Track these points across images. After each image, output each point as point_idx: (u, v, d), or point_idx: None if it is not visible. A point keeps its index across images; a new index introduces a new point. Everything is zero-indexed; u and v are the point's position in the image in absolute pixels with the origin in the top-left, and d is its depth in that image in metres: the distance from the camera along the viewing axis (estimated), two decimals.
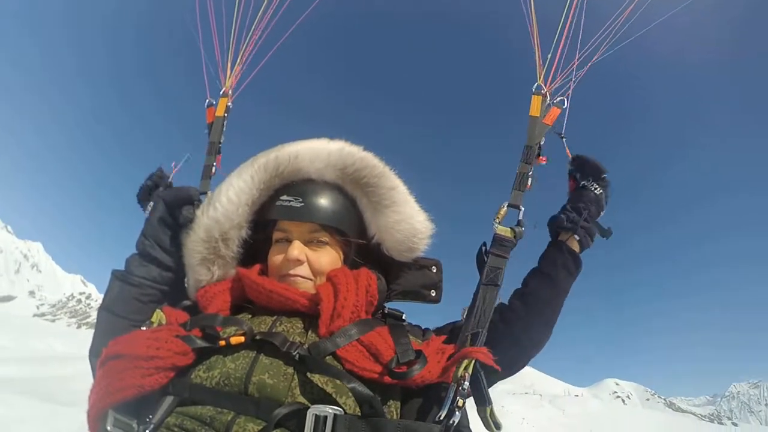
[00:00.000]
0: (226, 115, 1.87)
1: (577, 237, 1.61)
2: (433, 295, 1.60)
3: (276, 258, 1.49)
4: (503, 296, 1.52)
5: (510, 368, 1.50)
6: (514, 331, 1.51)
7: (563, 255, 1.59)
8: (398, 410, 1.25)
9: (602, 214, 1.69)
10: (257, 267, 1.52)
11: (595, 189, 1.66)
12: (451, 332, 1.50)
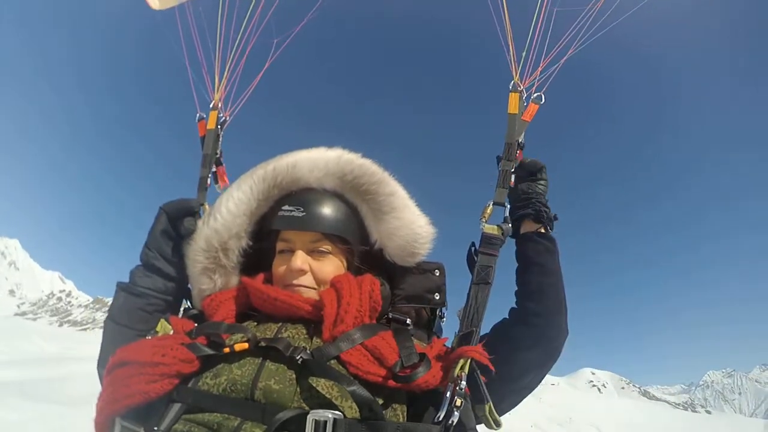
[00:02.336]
0: (219, 127, 1.91)
1: (548, 228, 1.66)
2: (437, 298, 1.60)
3: (280, 268, 1.50)
4: (495, 294, 1.51)
5: (546, 360, 1.53)
6: (538, 325, 1.51)
7: (540, 243, 1.61)
8: (404, 414, 1.26)
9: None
10: (261, 276, 1.53)
11: (541, 182, 1.72)
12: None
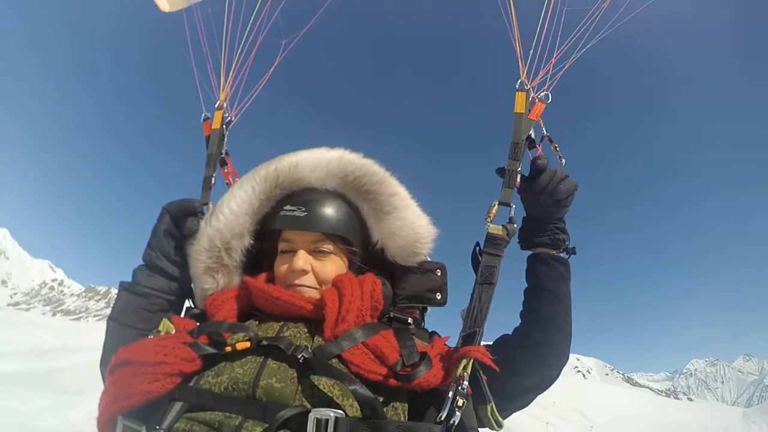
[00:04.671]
0: (224, 127, 1.90)
1: (565, 255, 1.64)
2: (439, 298, 1.60)
3: (282, 268, 1.50)
4: (499, 294, 1.49)
5: (545, 384, 1.55)
6: (543, 355, 1.51)
7: (554, 267, 1.60)
8: (405, 413, 1.25)
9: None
10: (264, 276, 1.54)
11: (566, 207, 1.65)
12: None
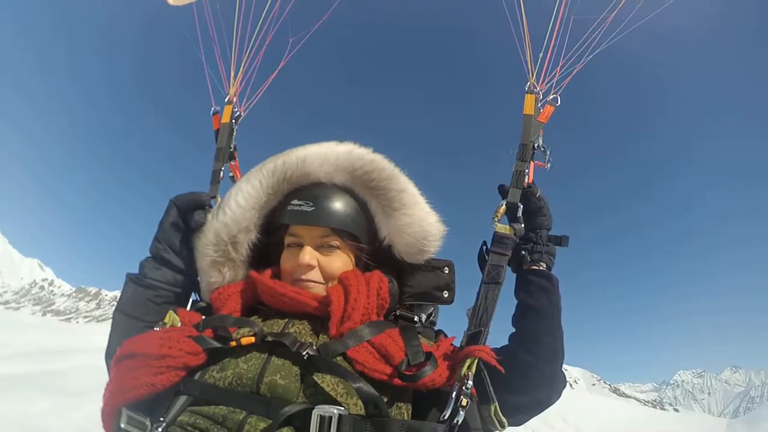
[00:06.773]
0: (233, 121, 1.91)
1: (543, 265, 1.63)
2: (446, 296, 1.58)
3: (288, 263, 1.49)
4: (505, 294, 1.49)
5: (537, 406, 1.52)
6: (531, 376, 1.48)
7: (534, 281, 1.59)
8: (409, 412, 1.25)
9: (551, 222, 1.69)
10: (269, 271, 1.53)
11: (539, 217, 1.66)
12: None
